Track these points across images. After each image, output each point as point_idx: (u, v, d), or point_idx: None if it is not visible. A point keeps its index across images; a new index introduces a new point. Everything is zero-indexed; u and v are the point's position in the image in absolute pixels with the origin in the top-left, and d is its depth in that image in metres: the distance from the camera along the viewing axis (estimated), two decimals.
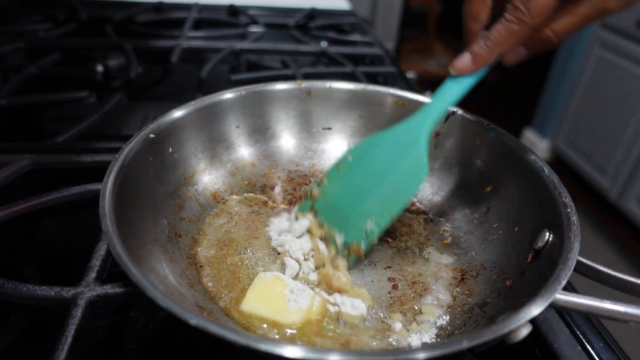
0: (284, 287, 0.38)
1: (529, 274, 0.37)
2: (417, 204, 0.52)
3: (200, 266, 0.41)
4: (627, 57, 2.01)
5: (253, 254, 0.43)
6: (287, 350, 0.24)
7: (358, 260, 0.43)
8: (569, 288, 0.46)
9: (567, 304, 0.30)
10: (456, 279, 0.42)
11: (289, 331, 0.35)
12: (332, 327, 0.36)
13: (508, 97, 3.52)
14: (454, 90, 0.44)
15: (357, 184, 0.45)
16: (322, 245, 0.43)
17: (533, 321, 0.28)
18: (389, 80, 0.88)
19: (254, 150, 0.55)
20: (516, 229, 0.42)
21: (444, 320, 0.38)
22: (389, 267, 0.43)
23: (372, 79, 0.88)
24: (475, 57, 0.42)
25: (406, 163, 0.44)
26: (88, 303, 0.33)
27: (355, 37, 1.12)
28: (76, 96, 0.71)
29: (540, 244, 0.37)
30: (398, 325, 0.37)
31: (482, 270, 0.42)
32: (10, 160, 0.51)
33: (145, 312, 0.39)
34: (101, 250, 0.38)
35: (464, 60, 0.43)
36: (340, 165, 0.47)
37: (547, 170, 0.41)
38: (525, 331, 0.28)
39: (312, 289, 0.39)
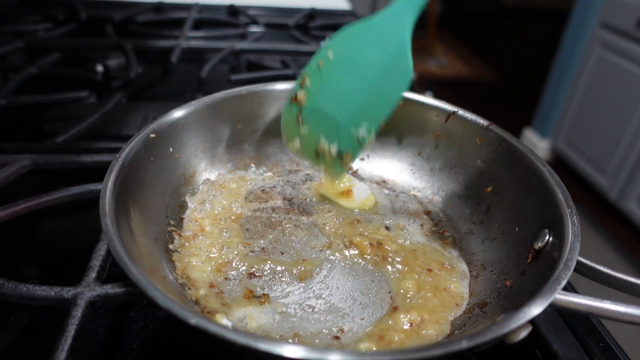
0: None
1: (529, 274, 0.37)
2: (418, 204, 0.52)
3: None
4: (627, 57, 2.01)
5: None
6: (286, 350, 0.24)
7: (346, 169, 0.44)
8: (569, 288, 0.46)
9: (567, 304, 0.30)
10: None
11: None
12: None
13: (508, 97, 3.52)
14: None
15: (343, 86, 0.43)
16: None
17: (533, 321, 0.28)
18: None
19: (255, 150, 0.55)
20: (516, 229, 0.42)
21: None
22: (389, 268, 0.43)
23: None
24: None
25: (391, 63, 0.42)
26: (88, 303, 0.33)
27: None
28: (76, 96, 0.71)
29: (540, 244, 0.37)
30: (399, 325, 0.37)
31: (482, 270, 0.42)
32: (10, 160, 0.51)
33: (145, 312, 0.39)
34: (101, 250, 0.38)
35: None
36: (322, 62, 0.44)
37: (547, 170, 0.41)
38: (525, 332, 0.28)
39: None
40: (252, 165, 0.55)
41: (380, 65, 0.42)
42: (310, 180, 0.54)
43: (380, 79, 0.42)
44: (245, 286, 0.40)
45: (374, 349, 0.34)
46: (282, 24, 1.16)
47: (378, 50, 0.42)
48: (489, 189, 0.47)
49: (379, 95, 0.42)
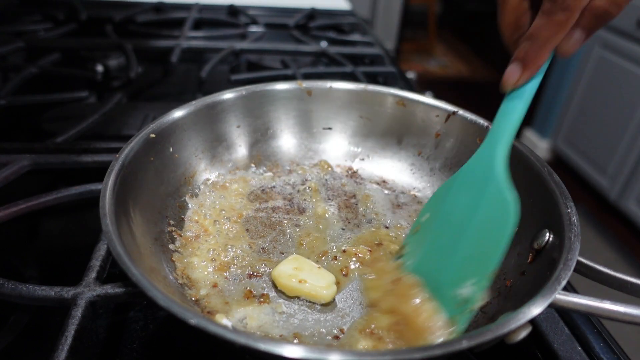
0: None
1: (529, 274, 0.37)
2: (418, 204, 0.52)
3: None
4: (627, 57, 2.01)
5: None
6: (286, 350, 0.24)
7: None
8: (569, 288, 0.46)
9: (567, 304, 0.30)
10: None
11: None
12: None
13: None
14: (515, 106, 0.39)
15: (439, 244, 0.38)
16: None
17: (533, 321, 0.28)
18: (389, 80, 0.88)
19: (255, 150, 0.55)
20: (516, 229, 0.42)
21: None
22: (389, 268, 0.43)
23: (372, 79, 0.88)
24: (526, 63, 0.37)
25: (486, 202, 0.36)
26: (88, 303, 0.33)
27: (355, 37, 1.12)
28: (76, 96, 0.71)
29: (540, 244, 0.37)
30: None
31: None
32: (10, 160, 0.51)
33: (145, 312, 0.39)
34: (101, 250, 0.38)
35: (514, 71, 0.38)
36: (418, 228, 0.41)
37: (547, 170, 0.41)
38: (525, 332, 0.28)
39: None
40: (252, 165, 0.55)
41: (476, 212, 0.36)
42: (309, 180, 0.54)
43: (477, 226, 0.36)
44: (245, 286, 0.40)
45: (365, 346, 0.34)
46: (282, 24, 1.16)
47: (471, 197, 0.37)
48: None
49: (480, 244, 0.35)
